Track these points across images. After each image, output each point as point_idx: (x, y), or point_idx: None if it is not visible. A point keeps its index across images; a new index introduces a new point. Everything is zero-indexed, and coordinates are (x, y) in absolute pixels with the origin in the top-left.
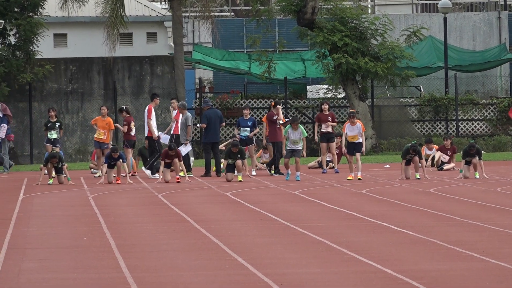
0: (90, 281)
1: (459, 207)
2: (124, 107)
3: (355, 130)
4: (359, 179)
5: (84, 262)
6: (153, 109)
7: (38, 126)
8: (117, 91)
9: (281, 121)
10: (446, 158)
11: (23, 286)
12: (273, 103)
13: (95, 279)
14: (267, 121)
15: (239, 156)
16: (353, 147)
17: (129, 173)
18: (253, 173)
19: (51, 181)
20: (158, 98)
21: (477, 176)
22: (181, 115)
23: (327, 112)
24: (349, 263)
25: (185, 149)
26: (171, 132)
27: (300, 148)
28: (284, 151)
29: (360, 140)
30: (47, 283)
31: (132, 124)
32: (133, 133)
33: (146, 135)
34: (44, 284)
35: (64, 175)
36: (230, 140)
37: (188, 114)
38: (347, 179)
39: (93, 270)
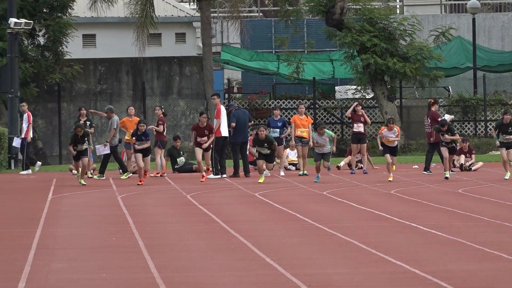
0: (119, 281)
1: (487, 207)
2: (161, 106)
3: (391, 134)
4: (389, 180)
5: (112, 262)
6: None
7: (67, 127)
8: (146, 92)
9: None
10: (468, 160)
11: (52, 287)
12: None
13: (123, 279)
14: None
15: (266, 145)
16: (389, 149)
17: (158, 173)
18: (282, 173)
19: (82, 181)
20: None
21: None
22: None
23: (360, 113)
24: (377, 263)
25: (102, 150)
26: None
27: (330, 151)
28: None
29: (396, 144)
30: (76, 284)
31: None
32: (165, 133)
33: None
34: (73, 284)
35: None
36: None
37: (115, 117)
38: (388, 180)
39: (121, 270)
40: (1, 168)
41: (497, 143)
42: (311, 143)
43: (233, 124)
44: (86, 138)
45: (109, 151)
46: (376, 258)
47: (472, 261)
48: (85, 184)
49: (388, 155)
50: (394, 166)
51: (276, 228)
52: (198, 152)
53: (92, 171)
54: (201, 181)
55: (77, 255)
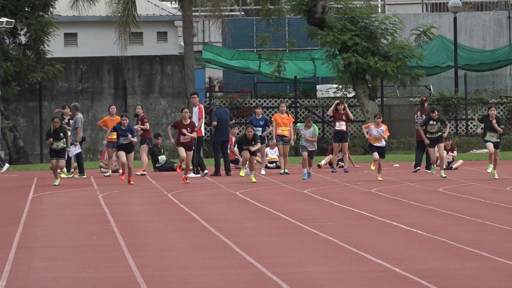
0: (99, 280)
1: (468, 206)
2: (141, 106)
3: (378, 131)
4: (379, 180)
5: (93, 261)
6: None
7: (48, 125)
8: (127, 90)
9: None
10: (450, 157)
11: (33, 285)
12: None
13: (104, 278)
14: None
15: (253, 142)
16: (377, 149)
17: (144, 170)
18: (263, 172)
19: (57, 182)
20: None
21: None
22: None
23: (342, 111)
24: (358, 262)
25: (74, 150)
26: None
27: (315, 148)
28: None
29: (385, 144)
30: (57, 282)
31: None
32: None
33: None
34: (54, 283)
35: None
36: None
37: (79, 115)
38: (378, 180)
39: (102, 269)
40: None
41: (479, 130)
42: (291, 142)
43: (215, 123)
44: (62, 134)
45: (80, 150)
46: (357, 256)
47: (453, 260)
48: (56, 185)
49: (376, 153)
50: (374, 167)
51: (257, 226)
52: (182, 150)
53: (73, 169)
54: (178, 171)
55: (58, 254)
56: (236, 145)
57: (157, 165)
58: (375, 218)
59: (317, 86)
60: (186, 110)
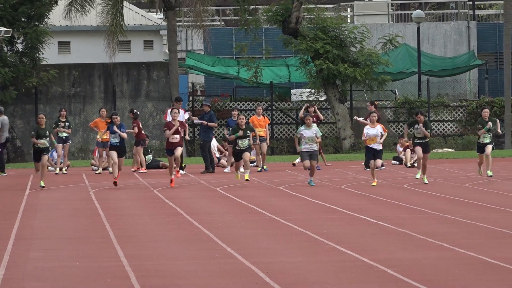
0: (91, 269)
1: (430, 201)
2: (134, 110)
3: (373, 131)
4: (372, 184)
5: (85, 252)
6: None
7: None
8: (116, 95)
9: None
10: (414, 157)
11: (30, 274)
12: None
13: (95, 267)
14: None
15: (248, 132)
16: (372, 154)
17: (138, 168)
18: (241, 170)
19: (42, 183)
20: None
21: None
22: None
23: (313, 114)
24: (329, 252)
25: None
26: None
27: (316, 148)
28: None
29: (380, 147)
30: (52, 271)
31: None
32: (142, 131)
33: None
34: (49, 272)
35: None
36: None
37: (4, 117)
38: (372, 185)
39: (94, 259)
40: None
41: (481, 132)
42: (267, 141)
43: (205, 122)
44: (47, 132)
45: (1, 149)
46: (328, 247)
47: (416, 250)
48: (44, 187)
49: (372, 161)
50: (376, 183)
51: (236, 220)
52: (171, 160)
53: (66, 167)
54: (177, 176)
55: (53, 245)
56: (230, 135)
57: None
58: (344, 212)
59: (291, 90)
60: (176, 110)
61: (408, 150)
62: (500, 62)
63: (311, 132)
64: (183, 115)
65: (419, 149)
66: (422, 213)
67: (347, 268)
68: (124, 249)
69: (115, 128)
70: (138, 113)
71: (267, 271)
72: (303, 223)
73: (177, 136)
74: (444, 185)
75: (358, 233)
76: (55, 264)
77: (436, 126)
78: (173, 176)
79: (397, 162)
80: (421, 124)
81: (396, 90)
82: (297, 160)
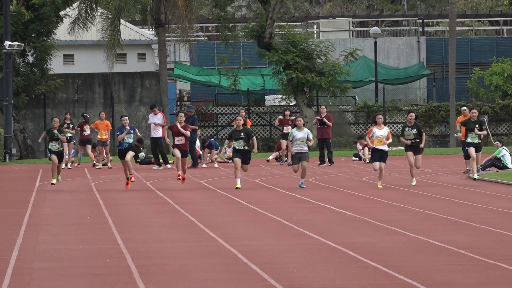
0: (92, 251)
1: (387, 192)
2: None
3: (381, 133)
4: (379, 187)
5: (87, 236)
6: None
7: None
8: (114, 100)
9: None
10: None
11: (39, 255)
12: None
13: (96, 249)
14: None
15: (242, 135)
16: (379, 155)
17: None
18: (215, 165)
19: (54, 181)
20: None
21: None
22: None
23: (288, 117)
24: (298, 237)
25: None
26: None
27: (307, 150)
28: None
29: (386, 147)
30: (59, 253)
31: None
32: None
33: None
34: (56, 253)
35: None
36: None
37: None
38: (378, 187)
39: (95, 242)
40: None
41: (459, 135)
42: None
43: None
44: (57, 133)
45: None
46: (298, 232)
47: (374, 235)
48: (54, 184)
49: (376, 163)
50: (382, 171)
51: (218, 208)
52: (177, 152)
53: (70, 163)
54: (178, 179)
55: (60, 230)
56: (229, 137)
57: (138, 160)
58: (312, 202)
59: (265, 96)
60: (182, 114)
61: (366, 148)
62: (446, 72)
63: (302, 134)
64: (160, 117)
65: (410, 155)
66: (379, 203)
67: (314, 250)
68: (121, 233)
69: (127, 128)
70: (88, 116)
71: (244, 253)
72: (276, 211)
73: (182, 138)
74: (399, 178)
75: (324, 220)
76: (61, 247)
77: (391, 127)
78: (180, 171)
79: (357, 159)
80: (410, 128)
81: (356, 96)
82: (271, 157)
